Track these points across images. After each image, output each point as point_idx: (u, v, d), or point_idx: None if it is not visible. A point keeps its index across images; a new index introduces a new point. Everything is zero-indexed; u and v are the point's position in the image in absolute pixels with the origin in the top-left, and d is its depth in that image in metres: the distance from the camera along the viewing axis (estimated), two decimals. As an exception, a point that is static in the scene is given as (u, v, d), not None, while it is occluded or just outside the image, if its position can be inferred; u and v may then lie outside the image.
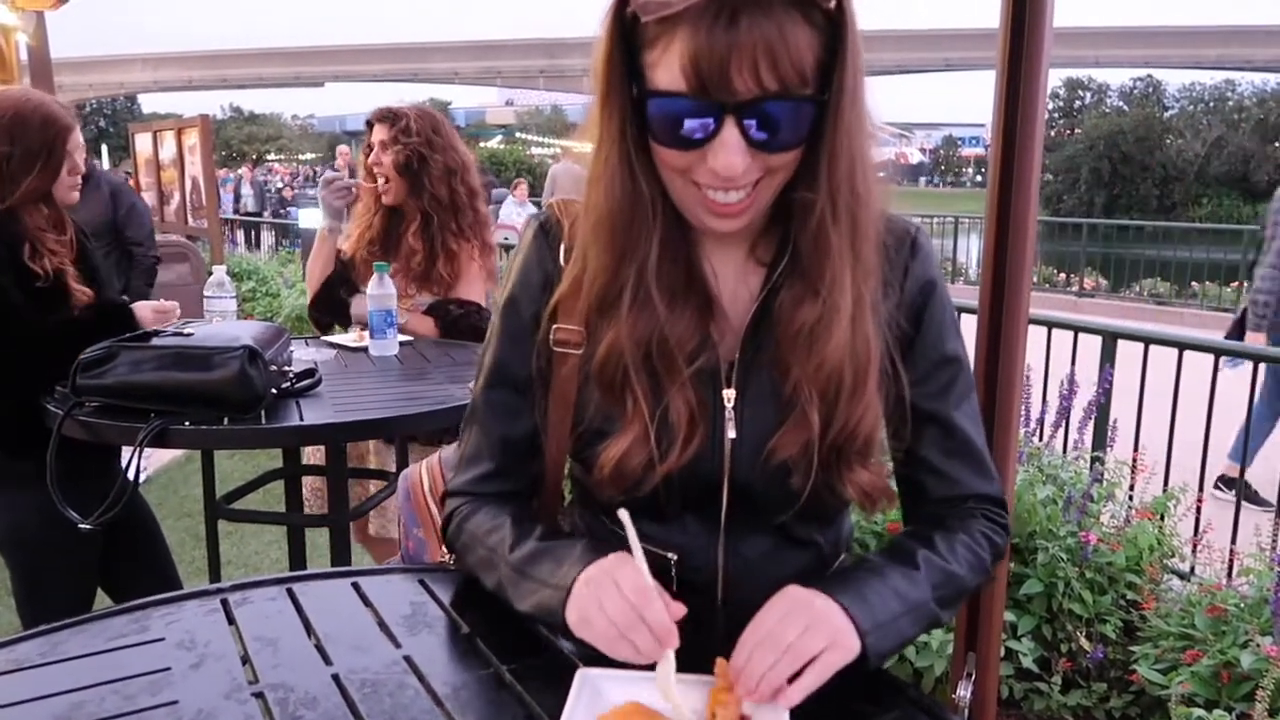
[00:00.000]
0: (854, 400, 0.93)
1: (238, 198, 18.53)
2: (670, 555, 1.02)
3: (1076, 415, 3.25)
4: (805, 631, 0.83)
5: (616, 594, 0.85)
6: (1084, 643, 2.63)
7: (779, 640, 0.82)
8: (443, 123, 2.66)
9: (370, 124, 2.67)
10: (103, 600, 2.25)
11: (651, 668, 0.83)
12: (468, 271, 2.64)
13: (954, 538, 0.99)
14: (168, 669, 0.90)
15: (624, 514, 0.88)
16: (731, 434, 0.97)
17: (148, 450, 1.75)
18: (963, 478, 1.03)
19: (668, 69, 0.82)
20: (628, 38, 0.86)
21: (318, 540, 2.76)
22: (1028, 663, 2.58)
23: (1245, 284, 10.93)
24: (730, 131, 0.82)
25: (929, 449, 1.02)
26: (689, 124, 0.83)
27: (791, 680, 0.80)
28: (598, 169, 0.92)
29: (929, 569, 0.94)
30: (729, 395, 0.97)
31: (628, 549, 1.04)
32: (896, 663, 2.64)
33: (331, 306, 2.78)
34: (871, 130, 0.90)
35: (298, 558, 2.56)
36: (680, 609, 0.86)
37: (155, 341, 1.83)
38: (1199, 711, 2.14)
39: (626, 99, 0.88)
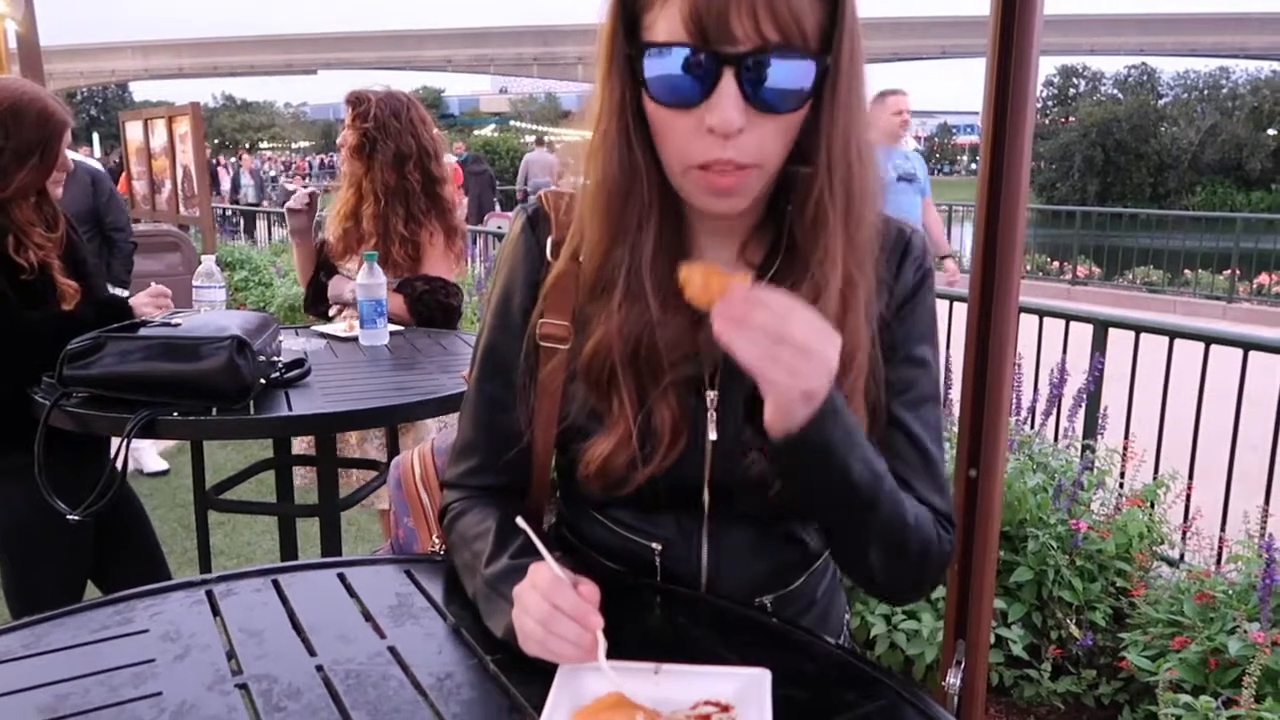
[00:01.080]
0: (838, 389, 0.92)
1: (236, 186, 17.37)
2: (654, 545, 1.02)
3: (1067, 403, 3.26)
4: (806, 349, 0.79)
5: (534, 595, 0.86)
6: (1074, 630, 2.64)
7: (792, 332, 0.78)
8: (408, 108, 2.70)
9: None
10: (91, 593, 2.25)
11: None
12: (429, 255, 2.70)
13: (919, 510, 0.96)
14: (152, 660, 0.90)
15: (520, 520, 0.89)
16: (713, 436, 0.97)
17: (149, 442, 1.74)
18: (919, 490, 1.00)
19: (668, 22, 0.82)
20: (629, 7, 0.86)
21: (310, 529, 2.77)
22: (1018, 650, 2.59)
23: (1238, 271, 11.03)
24: (728, 84, 0.81)
25: (889, 456, 0.98)
26: (687, 77, 0.82)
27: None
28: (596, 141, 0.91)
29: (889, 484, 0.91)
30: (711, 397, 0.97)
31: (624, 540, 1.04)
32: (887, 650, 2.66)
33: (317, 295, 2.84)
34: (869, 114, 0.89)
35: (288, 548, 2.56)
36: (593, 589, 0.86)
37: (143, 332, 1.82)
38: (1186, 697, 2.15)
39: (626, 69, 0.87)
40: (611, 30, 0.87)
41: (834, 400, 0.84)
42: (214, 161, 20.11)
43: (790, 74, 0.82)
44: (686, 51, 0.81)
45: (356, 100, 2.69)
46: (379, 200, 2.65)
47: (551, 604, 0.84)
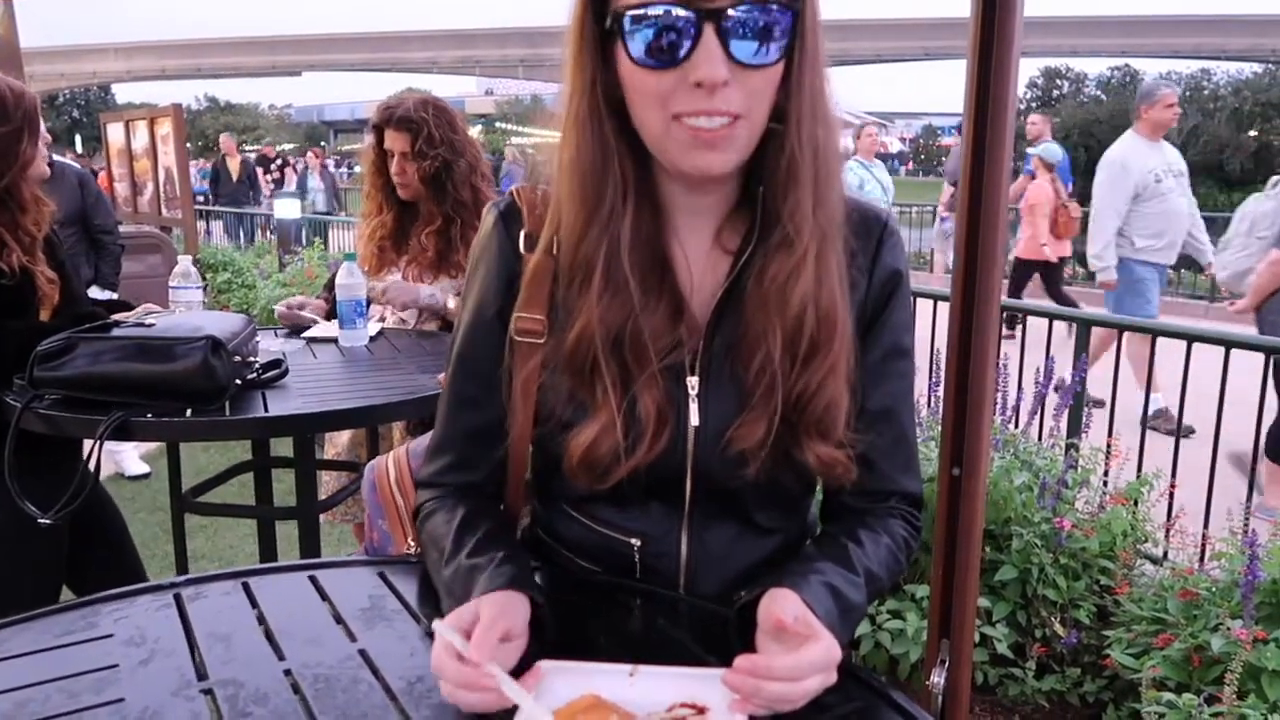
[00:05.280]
0: (817, 359, 0.92)
1: (303, 191, 13.98)
2: (633, 541, 1.01)
3: (1052, 401, 3.27)
4: (813, 693, 0.81)
5: (436, 648, 0.82)
6: (1058, 628, 2.64)
7: (803, 693, 0.79)
8: (455, 116, 2.59)
9: (379, 128, 2.56)
10: (67, 597, 2.21)
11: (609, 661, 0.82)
12: None
13: (879, 540, 1.00)
14: (115, 666, 0.88)
15: (436, 624, 0.83)
16: (695, 421, 0.96)
17: (130, 445, 1.72)
18: (892, 473, 1.03)
19: None
20: None
21: (295, 532, 2.75)
22: (1002, 649, 2.59)
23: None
24: (709, 38, 0.82)
25: (868, 439, 0.99)
26: (668, 36, 0.83)
27: None
28: (569, 123, 0.92)
29: (865, 575, 0.94)
30: (692, 382, 0.96)
31: (602, 537, 1.03)
32: (872, 650, 2.65)
33: None
34: (830, 83, 0.90)
35: (268, 551, 2.53)
36: (483, 635, 0.80)
37: (116, 332, 1.80)
38: (1169, 695, 2.15)
39: (596, 52, 0.88)
40: (582, 11, 0.88)
41: (841, 635, 0.86)
42: (278, 161, 17.24)
43: (768, 26, 0.83)
44: (666, 10, 0.82)
45: (413, 124, 2.48)
46: (451, 219, 2.51)
47: (443, 679, 0.81)
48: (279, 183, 15.02)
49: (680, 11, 0.82)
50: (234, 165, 13.07)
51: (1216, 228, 12.24)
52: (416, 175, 2.51)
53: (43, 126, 2.08)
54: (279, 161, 16.58)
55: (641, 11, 0.83)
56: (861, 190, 6.90)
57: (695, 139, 0.86)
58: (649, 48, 0.84)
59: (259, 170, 14.51)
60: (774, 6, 0.83)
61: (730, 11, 0.82)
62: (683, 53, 0.83)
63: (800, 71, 0.87)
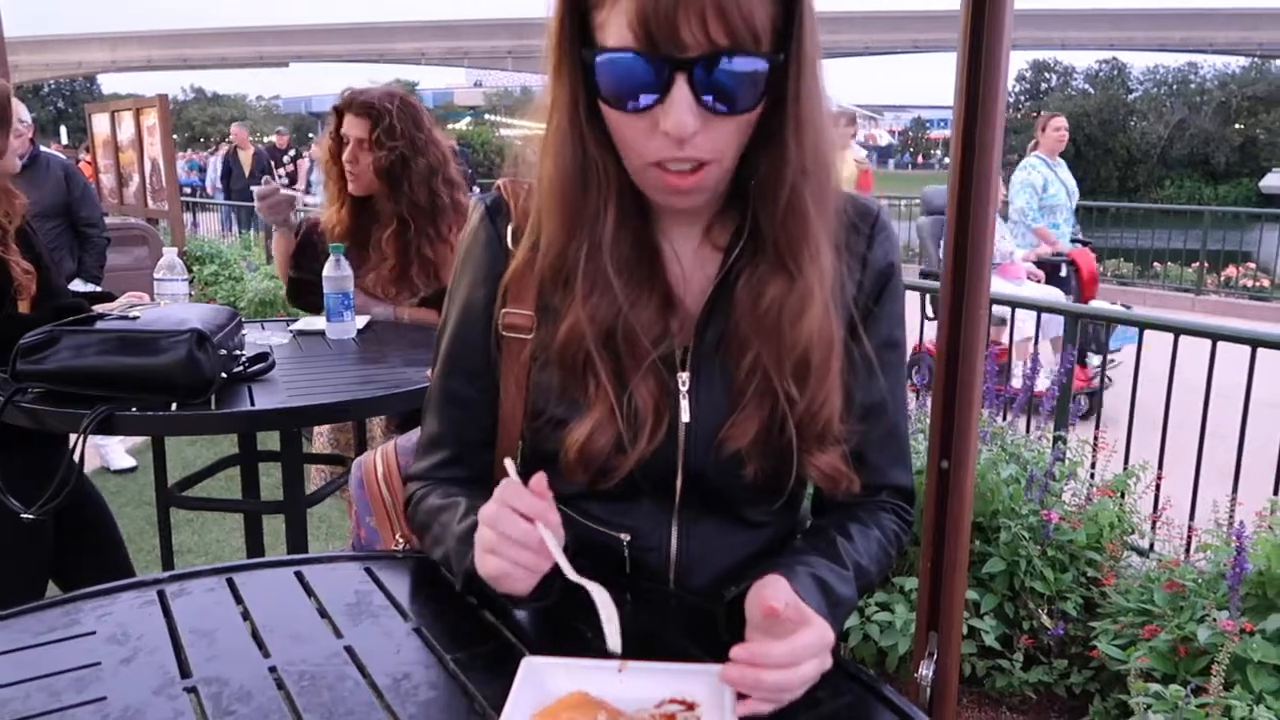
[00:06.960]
0: (819, 382, 0.92)
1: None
2: (622, 536, 1.01)
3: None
4: (811, 679, 0.81)
5: (490, 504, 0.86)
6: (1045, 620, 2.66)
7: (801, 679, 0.79)
8: (422, 113, 2.48)
9: (339, 111, 2.45)
10: (53, 593, 2.19)
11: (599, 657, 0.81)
12: (450, 267, 2.54)
13: (869, 534, 0.99)
14: (97, 664, 0.87)
15: (508, 461, 0.90)
16: (685, 418, 0.95)
17: (115, 439, 1.70)
18: (884, 467, 1.03)
19: (617, 27, 0.80)
20: (578, 3, 0.84)
21: (282, 527, 2.73)
22: (990, 640, 2.60)
23: (1206, 264, 11.16)
24: (681, 90, 0.80)
25: (859, 432, 0.99)
26: (639, 83, 0.80)
27: None
28: (550, 136, 0.90)
29: (855, 569, 0.94)
30: (683, 379, 0.95)
31: (592, 532, 1.02)
32: (860, 642, 2.66)
33: (302, 287, 2.63)
34: (830, 105, 0.89)
35: (255, 545, 2.52)
36: (540, 483, 0.85)
37: (99, 325, 1.78)
38: (1156, 686, 2.17)
39: (577, 65, 0.86)
40: (560, 25, 0.86)
41: (834, 625, 0.86)
42: (291, 152, 15.32)
43: (743, 76, 0.80)
44: (636, 56, 0.79)
45: (375, 113, 2.37)
46: (407, 223, 2.40)
47: (500, 502, 0.85)
48: (292, 177, 13.34)
49: (651, 60, 0.79)
50: (246, 158, 12.20)
51: (1202, 221, 12.30)
52: (371, 166, 2.40)
53: (28, 117, 2.06)
54: (292, 153, 14.51)
55: (613, 54, 0.81)
56: (1044, 193, 5.90)
57: (664, 185, 0.85)
58: (620, 91, 0.82)
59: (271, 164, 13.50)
60: (752, 57, 0.80)
61: (704, 62, 0.78)
62: (652, 100, 0.80)
63: (797, 112, 0.84)
